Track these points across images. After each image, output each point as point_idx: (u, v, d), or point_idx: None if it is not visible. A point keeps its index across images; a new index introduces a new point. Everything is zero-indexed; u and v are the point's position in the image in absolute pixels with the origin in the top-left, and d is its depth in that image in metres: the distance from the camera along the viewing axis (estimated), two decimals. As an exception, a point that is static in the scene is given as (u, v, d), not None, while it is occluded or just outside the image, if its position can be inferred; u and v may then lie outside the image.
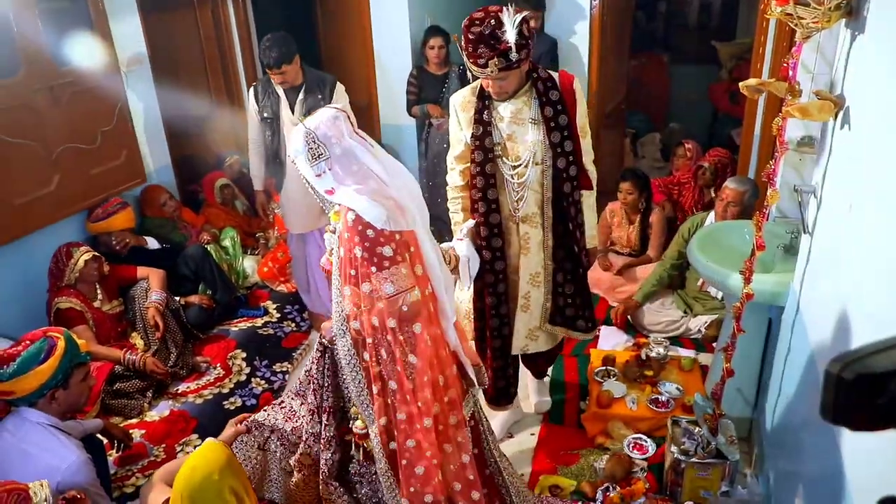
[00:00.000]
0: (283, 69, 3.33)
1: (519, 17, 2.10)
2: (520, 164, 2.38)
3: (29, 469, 2.02)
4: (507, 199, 2.46)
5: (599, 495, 2.56)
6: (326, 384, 2.14)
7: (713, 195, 3.93)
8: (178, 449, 2.89)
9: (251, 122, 3.59)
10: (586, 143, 2.46)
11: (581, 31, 4.17)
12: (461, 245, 2.36)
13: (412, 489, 1.94)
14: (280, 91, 3.46)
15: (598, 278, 4.00)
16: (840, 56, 1.92)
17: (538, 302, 2.59)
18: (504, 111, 2.37)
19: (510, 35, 2.10)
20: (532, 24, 2.17)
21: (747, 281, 2.21)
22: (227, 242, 4.16)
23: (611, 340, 3.59)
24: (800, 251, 2.32)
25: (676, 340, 3.55)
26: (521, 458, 2.85)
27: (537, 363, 2.98)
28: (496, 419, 2.94)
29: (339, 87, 3.59)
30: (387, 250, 1.78)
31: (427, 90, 4.44)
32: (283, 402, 2.38)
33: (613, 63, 4.60)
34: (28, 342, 2.12)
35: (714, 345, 3.22)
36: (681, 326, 3.58)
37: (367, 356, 1.89)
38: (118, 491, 2.70)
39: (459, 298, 2.97)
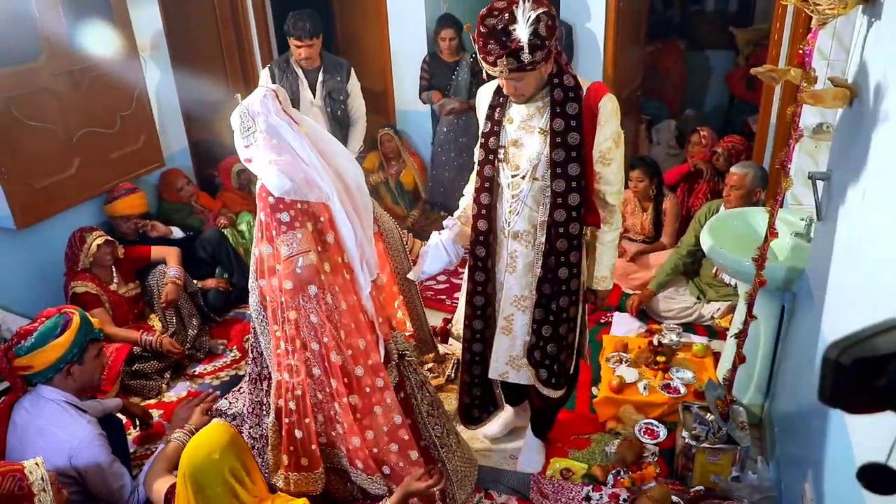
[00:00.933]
0: (313, 41, 3.36)
1: (534, 14, 1.84)
2: (517, 175, 2.14)
3: (43, 444, 2.09)
4: (501, 209, 2.22)
5: (610, 479, 2.59)
6: (260, 351, 2.24)
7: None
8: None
9: None
10: (608, 173, 2.11)
11: (597, 17, 4.14)
12: (434, 235, 2.34)
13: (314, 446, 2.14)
14: (299, 71, 3.48)
15: (611, 264, 4.00)
16: (856, 43, 1.92)
17: (523, 328, 2.31)
18: (516, 114, 2.14)
19: (522, 33, 1.85)
20: (551, 21, 1.88)
21: (760, 267, 2.21)
22: (243, 227, 4.20)
23: (623, 327, 3.60)
24: (813, 238, 2.33)
25: (689, 327, 3.55)
26: (532, 442, 2.88)
27: (532, 406, 2.66)
28: (498, 419, 2.85)
29: (353, 72, 3.62)
30: (284, 216, 1.95)
31: (438, 77, 4.46)
32: (241, 387, 2.43)
33: (629, 49, 4.57)
34: (44, 319, 2.19)
35: (727, 332, 3.22)
36: (693, 313, 3.59)
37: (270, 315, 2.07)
38: (137, 469, 2.76)
39: (455, 318, 2.78)
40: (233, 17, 4.67)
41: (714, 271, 3.52)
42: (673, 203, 3.91)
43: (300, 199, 1.96)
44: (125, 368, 3.12)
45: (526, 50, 1.86)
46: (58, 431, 2.13)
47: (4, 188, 3.01)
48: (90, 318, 2.33)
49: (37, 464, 1.83)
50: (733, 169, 3.36)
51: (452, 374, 3.16)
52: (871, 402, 0.74)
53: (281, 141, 1.95)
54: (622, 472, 2.61)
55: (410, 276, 2.34)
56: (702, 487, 2.49)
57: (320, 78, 3.52)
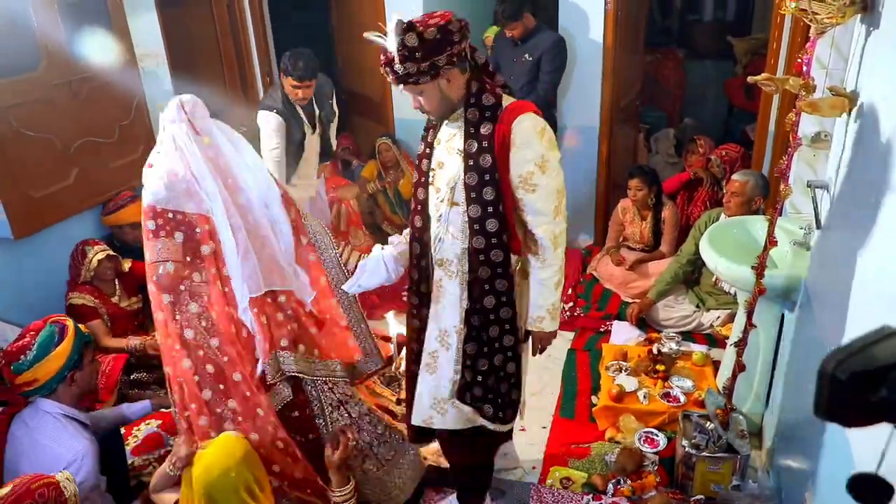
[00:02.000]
0: (312, 82, 3.40)
1: (401, 25, 1.79)
2: (438, 198, 2.03)
3: (39, 459, 2.07)
4: (431, 234, 2.09)
5: (610, 488, 2.58)
6: None
7: (725, 191, 3.91)
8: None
9: (273, 154, 3.47)
10: (532, 201, 1.93)
11: (595, 25, 4.15)
12: (376, 249, 2.25)
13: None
14: (299, 110, 3.53)
15: (610, 273, 4.01)
16: (855, 52, 1.92)
17: (448, 367, 2.11)
18: (443, 134, 2.03)
19: (390, 44, 1.82)
20: (438, 35, 1.80)
21: (760, 275, 2.21)
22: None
23: (623, 335, 3.59)
24: (812, 247, 2.32)
25: (689, 335, 3.55)
26: (532, 450, 2.87)
27: (461, 457, 2.39)
28: None
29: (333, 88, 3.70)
30: (150, 224, 2.08)
31: None
32: None
33: (628, 58, 4.58)
34: (34, 332, 2.14)
35: (727, 340, 3.22)
36: (693, 321, 3.58)
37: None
38: (135, 480, 2.75)
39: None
40: (231, 26, 4.68)
41: (714, 280, 3.51)
42: (672, 212, 3.91)
43: (174, 208, 2.06)
44: (123, 378, 3.10)
45: (397, 61, 1.81)
46: (54, 446, 2.11)
47: (1, 198, 3.00)
48: (81, 327, 2.29)
49: (68, 478, 1.83)
50: (735, 176, 3.36)
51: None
52: (868, 415, 0.72)
53: (175, 149, 2.09)
54: (622, 481, 2.59)
55: (345, 287, 2.28)
56: (702, 496, 2.48)
57: (316, 112, 3.59)
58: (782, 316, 2.59)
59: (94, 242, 3.29)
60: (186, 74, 4.25)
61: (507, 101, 1.94)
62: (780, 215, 2.19)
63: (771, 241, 2.13)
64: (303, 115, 3.54)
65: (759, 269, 2.20)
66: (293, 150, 3.60)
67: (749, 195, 3.28)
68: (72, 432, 2.15)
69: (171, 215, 2.07)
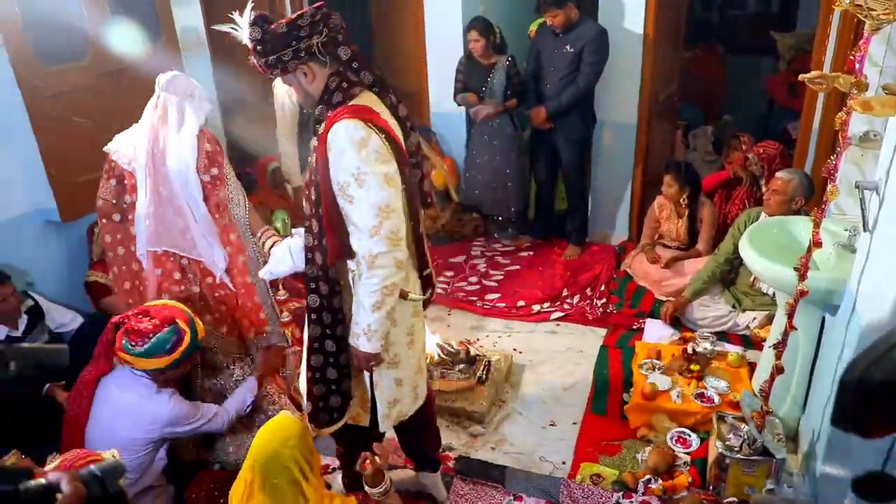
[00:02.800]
0: None
1: (250, 18, 1.80)
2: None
3: (135, 416, 2.26)
4: None
5: (641, 487, 2.56)
6: None
7: (764, 189, 3.83)
8: None
9: (284, 114, 3.62)
10: (350, 212, 1.82)
11: (636, 18, 4.10)
12: (287, 238, 2.20)
13: None
14: None
15: (645, 271, 3.97)
16: (910, 49, 1.87)
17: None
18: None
19: (243, 35, 1.83)
20: (285, 28, 1.79)
21: (802, 277, 2.17)
22: (278, 224, 4.24)
23: (656, 333, 3.56)
24: (858, 249, 2.27)
25: (723, 336, 3.50)
26: (562, 445, 2.88)
27: (340, 444, 2.43)
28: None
29: None
30: (104, 165, 2.59)
31: (473, 79, 4.44)
32: None
33: (667, 52, 4.51)
34: (158, 324, 2.24)
35: (763, 342, 3.16)
36: (728, 321, 3.53)
37: None
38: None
39: None
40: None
41: (752, 280, 3.45)
42: (710, 210, 3.85)
43: (115, 158, 2.52)
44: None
45: (252, 49, 1.83)
46: (149, 407, 2.28)
47: (50, 182, 3.09)
48: (199, 325, 2.36)
49: (113, 455, 1.89)
50: (778, 174, 3.29)
51: (483, 376, 3.15)
52: (887, 424, 0.70)
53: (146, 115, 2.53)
54: (653, 481, 2.58)
55: (260, 273, 2.30)
56: (735, 499, 2.45)
57: None
58: (823, 319, 2.54)
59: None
60: (227, 64, 4.31)
61: (361, 99, 1.87)
62: (825, 216, 2.15)
63: (815, 242, 2.09)
64: None
65: (802, 271, 2.16)
66: (306, 119, 3.60)
67: (791, 194, 3.21)
68: (160, 391, 2.33)
69: (113, 164, 2.53)
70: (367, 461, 2.04)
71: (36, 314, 3.02)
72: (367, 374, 2.11)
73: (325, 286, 1.95)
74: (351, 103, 1.84)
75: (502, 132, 4.50)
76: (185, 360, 2.33)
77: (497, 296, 4.09)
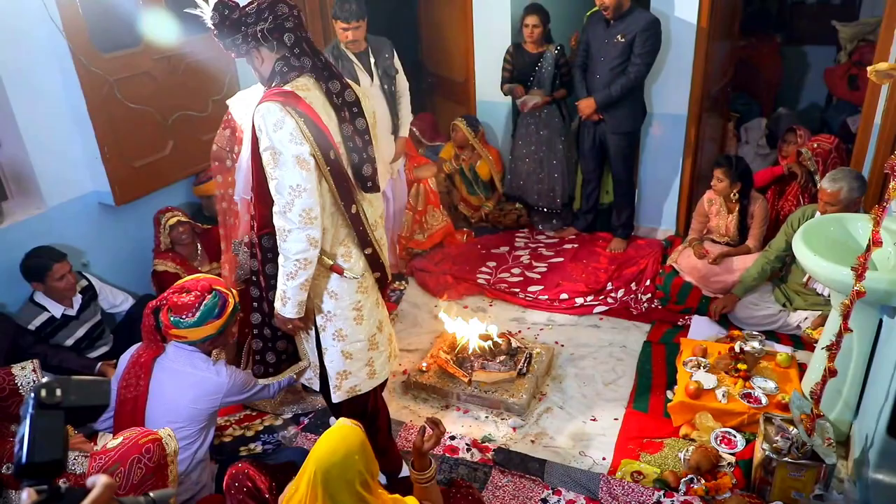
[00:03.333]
0: (360, 23, 3.39)
1: (213, 2, 1.94)
2: None
3: (198, 386, 2.38)
4: None
5: (682, 486, 2.52)
6: None
7: (819, 186, 3.70)
8: (241, 429, 3.07)
9: None
10: (271, 188, 1.97)
11: (690, 7, 3.98)
12: None
13: None
14: (352, 56, 3.52)
15: (692, 266, 3.88)
16: None
17: None
18: None
19: (206, 18, 2.00)
20: (225, 14, 1.95)
21: (860, 277, 2.10)
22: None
23: (702, 331, 3.49)
24: (921, 250, 2.18)
25: (773, 335, 3.41)
26: (602, 441, 2.85)
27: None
28: None
29: (394, 49, 3.68)
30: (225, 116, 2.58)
31: (521, 69, 4.40)
32: None
33: (721, 43, 4.38)
34: (199, 294, 2.36)
35: (815, 343, 3.07)
36: (778, 321, 3.43)
37: None
38: (217, 440, 2.89)
39: None
40: (321, 8, 4.75)
41: (805, 279, 3.34)
42: (762, 207, 3.73)
43: (232, 113, 2.44)
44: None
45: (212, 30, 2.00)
46: (209, 376, 2.39)
47: (106, 166, 3.18)
48: (234, 291, 2.48)
49: (170, 435, 1.98)
50: (823, 184, 3.11)
51: (524, 369, 3.14)
52: None
53: None
54: (696, 480, 2.53)
55: None
56: (780, 503, 2.39)
57: (372, 60, 3.56)
58: (880, 321, 2.45)
59: (169, 209, 3.44)
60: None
61: (295, 83, 2.00)
62: (886, 214, 2.06)
63: (875, 241, 2.01)
64: (355, 59, 3.53)
65: (860, 271, 2.08)
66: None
67: (845, 202, 3.03)
68: (213, 363, 2.44)
69: (229, 116, 2.45)
70: (441, 428, 2.05)
71: (90, 294, 3.13)
72: (307, 341, 2.29)
73: (259, 253, 2.15)
74: (284, 87, 1.97)
75: (550, 122, 4.45)
76: (232, 324, 2.44)
77: (540, 287, 4.06)
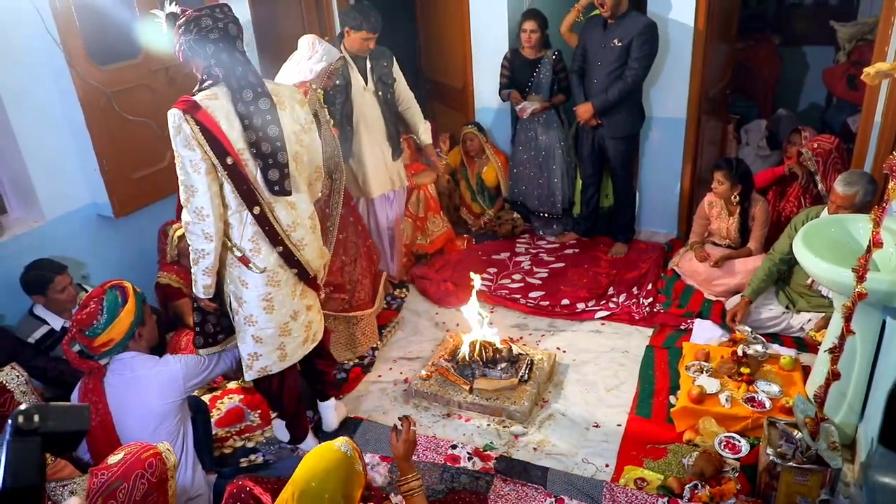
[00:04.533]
0: (378, 34, 3.50)
1: (167, 10, 2.21)
2: None
3: (154, 385, 2.33)
4: None
5: (687, 492, 2.50)
6: None
7: (820, 186, 3.68)
8: (273, 415, 3.04)
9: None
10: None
11: (686, 9, 3.98)
12: None
13: None
14: (348, 58, 3.59)
15: (694, 270, 3.87)
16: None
17: None
18: None
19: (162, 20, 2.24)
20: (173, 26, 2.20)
21: (861, 279, 2.08)
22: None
23: (705, 335, 3.46)
24: (923, 250, 2.16)
25: (776, 337, 3.39)
26: (605, 448, 2.82)
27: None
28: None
29: (394, 58, 3.74)
30: None
31: (518, 74, 4.40)
32: None
33: (718, 45, 4.37)
34: (96, 298, 2.32)
35: (819, 345, 3.05)
36: (781, 322, 3.41)
37: None
38: (218, 451, 2.88)
39: None
40: (318, 18, 4.77)
41: (809, 281, 3.32)
42: (762, 209, 3.71)
43: None
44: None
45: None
46: (160, 371, 2.37)
47: (104, 178, 3.19)
48: (128, 283, 2.45)
49: (168, 449, 1.96)
50: (837, 187, 3.07)
51: (526, 375, 3.12)
52: None
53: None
54: (700, 486, 2.51)
55: None
56: (786, 508, 2.36)
57: (369, 65, 3.61)
58: (883, 323, 2.43)
59: (176, 222, 3.43)
60: (273, 59, 4.37)
61: (206, 93, 2.17)
62: (886, 215, 2.05)
63: (876, 243, 1.99)
64: (350, 62, 3.60)
65: (861, 272, 2.07)
66: (339, 91, 3.60)
67: (858, 206, 3.00)
68: (159, 358, 2.42)
69: None
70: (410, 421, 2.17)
71: (90, 307, 3.12)
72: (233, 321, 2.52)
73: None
74: (193, 96, 2.16)
75: (549, 128, 4.45)
76: (145, 313, 2.42)
77: (541, 293, 4.05)
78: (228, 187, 2.22)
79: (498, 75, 4.49)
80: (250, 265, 2.36)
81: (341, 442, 1.83)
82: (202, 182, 2.16)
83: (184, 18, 2.15)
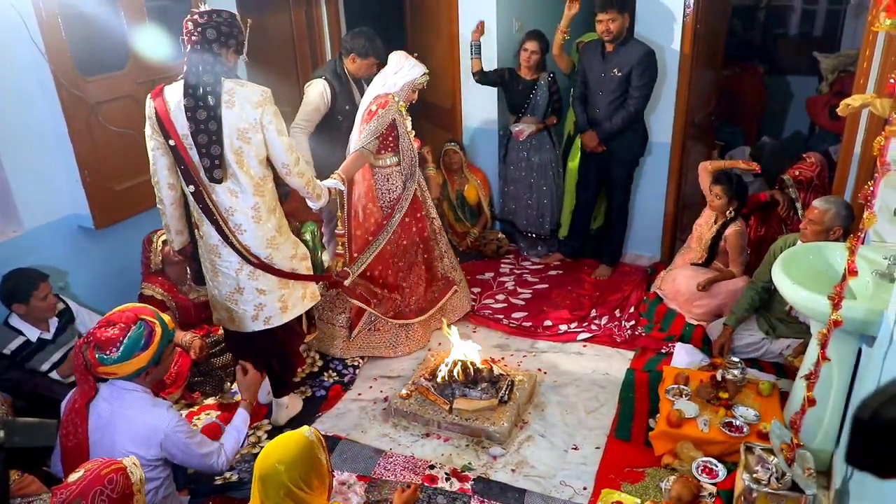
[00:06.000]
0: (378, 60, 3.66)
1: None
2: None
3: (133, 430, 2.18)
4: None
5: (664, 517, 2.49)
6: None
7: (801, 213, 3.72)
8: (250, 432, 3.00)
9: (311, 110, 3.76)
10: None
11: (673, 37, 4.04)
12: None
13: None
14: (352, 81, 3.77)
15: (676, 291, 3.88)
16: (954, 73, 1.80)
17: None
18: None
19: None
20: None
21: (836, 307, 2.10)
22: (307, 236, 4.26)
23: (685, 359, 3.47)
24: (897, 279, 2.19)
25: (756, 362, 3.40)
26: (583, 470, 2.81)
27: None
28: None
29: None
30: None
31: (515, 96, 4.45)
32: None
33: (705, 73, 4.44)
34: (124, 326, 2.18)
35: (797, 371, 3.06)
36: (761, 348, 3.43)
37: None
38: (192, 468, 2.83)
39: None
40: (308, 30, 4.80)
41: (788, 308, 3.34)
42: (736, 234, 3.73)
43: None
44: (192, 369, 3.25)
45: None
46: (145, 419, 2.20)
47: (85, 189, 3.16)
48: (165, 317, 2.33)
49: (134, 464, 1.90)
50: (815, 203, 3.15)
51: (506, 396, 3.11)
52: None
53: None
54: (677, 511, 2.50)
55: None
56: (762, 535, 2.36)
57: (366, 86, 3.71)
58: (859, 350, 2.45)
59: (158, 230, 3.41)
60: (263, 75, 4.38)
61: (174, 82, 2.55)
62: (862, 243, 2.07)
63: (851, 271, 2.02)
64: (353, 83, 3.78)
65: (836, 300, 2.09)
66: (338, 123, 3.73)
67: (828, 225, 3.07)
68: (157, 403, 2.27)
69: None
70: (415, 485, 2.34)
71: (67, 317, 3.08)
72: None
73: None
74: (167, 85, 2.55)
75: (541, 148, 4.52)
76: (165, 354, 2.29)
77: (524, 314, 4.05)
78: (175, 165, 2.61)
79: (487, 95, 4.53)
80: (196, 233, 2.79)
81: (306, 429, 1.95)
82: (151, 154, 2.62)
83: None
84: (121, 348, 2.15)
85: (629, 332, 3.82)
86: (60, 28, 2.94)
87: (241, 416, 2.52)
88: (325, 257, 4.33)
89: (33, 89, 3.00)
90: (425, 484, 2.72)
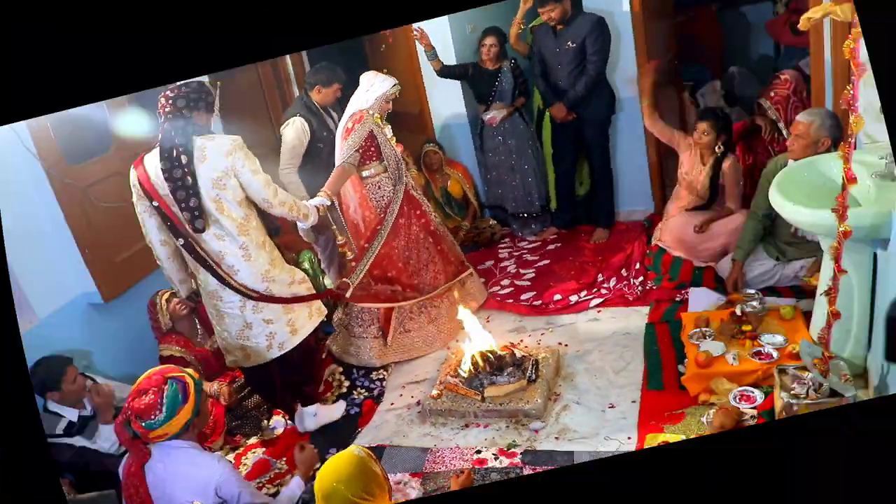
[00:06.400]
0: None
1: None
2: None
3: (187, 487, 2.31)
4: None
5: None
6: None
7: (785, 133, 3.71)
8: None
9: (290, 149, 3.79)
10: None
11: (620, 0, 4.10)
12: None
13: None
14: (323, 112, 3.86)
15: (678, 239, 3.86)
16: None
17: None
18: None
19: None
20: None
21: (842, 218, 2.10)
22: (306, 265, 4.26)
23: (702, 302, 3.47)
24: (897, 175, 2.19)
25: (773, 290, 3.40)
26: (624, 424, 2.84)
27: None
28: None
29: None
30: None
31: (481, 86, 4.55)
32: None
33: (658, 24, 4.47)
34: (156, 389, 2.29)
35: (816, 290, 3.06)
36: (775, 275, 3.43)
37: None
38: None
39: None
40: (277, 83, 4.91)
41: (793, 230, 3.33)
42: (733, 165, 3.72)
43: None
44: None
45: None
46: (198, 471, 2.34)
47: (88, 267, 3.26)
48: (188, 371, 2.46)
49: None
50: (799, 116, 3.15)
51: (533, 376, 3.12)
52: None
53: None
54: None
55: None
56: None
57: (335, 115, 3.88)
58: (874, 254, 2.44)
59: (158, 292, 3.43)
60: (237, 122, 4.37)
61: (149, 153, 2.74)
62: (855, 148, 2.07)
63: (849, 178, 2.02)
64: (322, 113, 3.87)
65: (841, 211, 2.09)
66: (319, 150, 3.82)
67: (815, 137, 3.05)
68: (207, 456, 2.41)
69: None
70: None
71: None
72: None
73: None
74: (146, 154, 2.73)
75: (514, 131, 4.57)
76: (203, 404, 2.43)
77: (532, 293, 4.04)
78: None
79: (451, 90, 4.63)
80: (195, 281, 2.95)
81: (353, 447, 2.04)
82: (140, 217, 2.81)
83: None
84: (163, 409, 2.27)
85: (640, 288, 3.81)
86: (50, 131, 3.08)
87: (297, 482, 2.63)
88: (328, 282, 4.32)
89: (28, 187, 3.11)
90: (476, 467, 2.75)
